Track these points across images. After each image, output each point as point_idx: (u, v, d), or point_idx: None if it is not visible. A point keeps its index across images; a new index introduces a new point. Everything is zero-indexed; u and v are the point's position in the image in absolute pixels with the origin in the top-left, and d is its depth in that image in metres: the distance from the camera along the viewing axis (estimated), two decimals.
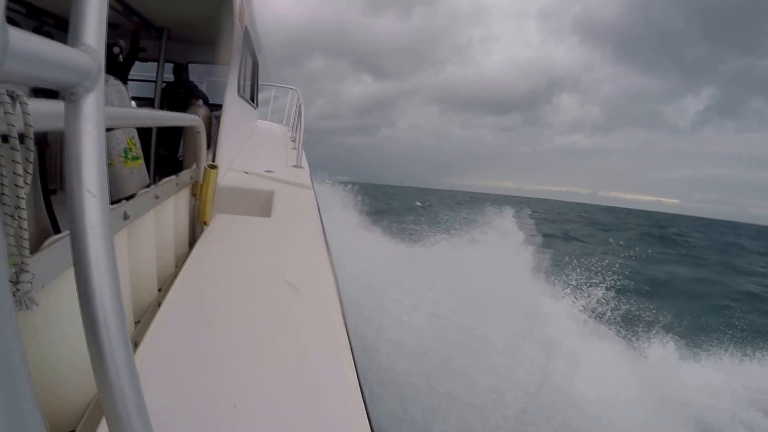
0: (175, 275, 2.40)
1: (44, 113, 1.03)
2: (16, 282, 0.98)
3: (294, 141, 7.96)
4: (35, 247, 1.32)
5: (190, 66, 6.83)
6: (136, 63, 5.38)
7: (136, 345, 1.70)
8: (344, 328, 1.99)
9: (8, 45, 0.50)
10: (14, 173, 0.87)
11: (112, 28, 5.40)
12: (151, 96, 6.43)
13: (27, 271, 0.98)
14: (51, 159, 2.40)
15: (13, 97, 0.86)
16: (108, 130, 2.77)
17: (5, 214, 0.90)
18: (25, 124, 0.88)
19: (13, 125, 0.82)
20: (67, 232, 0.71)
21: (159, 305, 2.04)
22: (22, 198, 0.89)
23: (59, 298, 1.42)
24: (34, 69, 0.59)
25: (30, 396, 1.24)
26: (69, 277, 1.43)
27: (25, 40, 0.55)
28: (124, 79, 4.77)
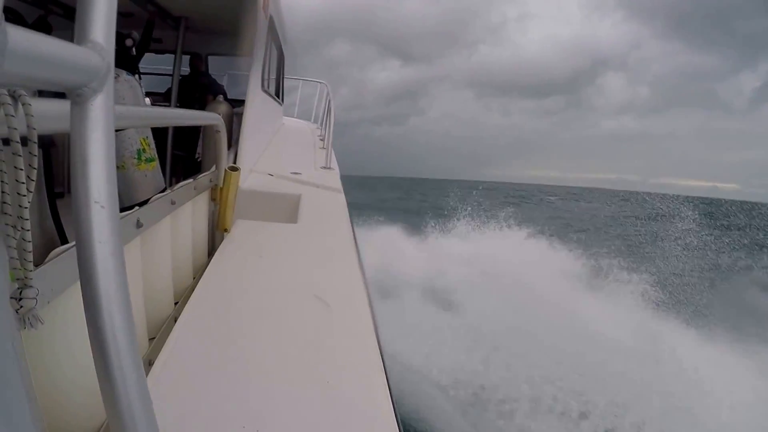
0: (192, 287, 2.41)
1: (49, 114, 1.02)
2: (19, 298, 0.98)
3: (323, 140, 7.97)
4: (40, 259, 1.31)
5: (211, 58, 6.88)
6: (153, 55, 5.44)
7: (150, 363, 1.72)
8: (377, 347, 1.96)
9: (7, 45, 0.50)
10: (17, 180, 0.86)
11: (126, 17, 5.49)
12: (162, 90, 6.52)
13: (31, 287, 0.98)
14: (57, 159, 2.43)
15: (14, 98, 0.86)
16: (120, 129, 2.80)
17: (7, 224, 0.90)
18: (28, 126, 0.87)
19: (15, 128, 0.82)
20: (75, 242, 0.69)
21: (175, 320, 2.04)
22: (25, 207, 0.89)
23: (66, 314, 1.41)
24: (36, 70, 0.59)
25: (38, 423, 1.24)
26: (78, 292, 1.41)
27: (27, 40, 0.55)
28: (134, 72, 4.82)
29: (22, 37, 0.54)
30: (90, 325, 0.67)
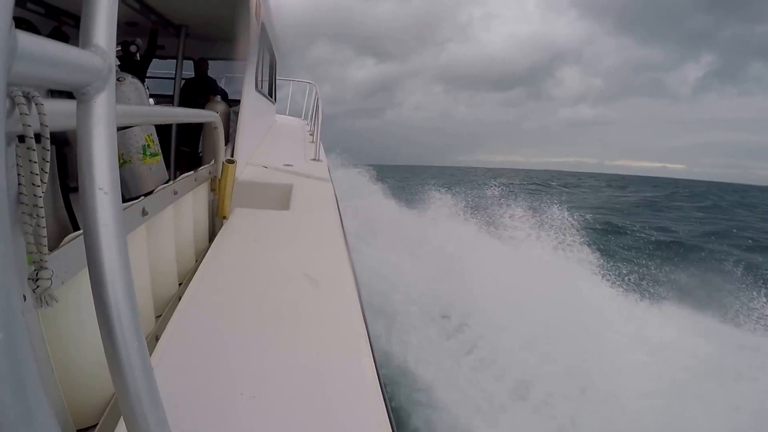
0: (195, 269, 2.47)
1: (60, 113, 1.06)
2: (35, 279, 1.03)
3: (312, 134, 8.19)
4: (55, 245, 1.35)
5: (211, 63, 7.03)
6: (156, 60, 5.59)
7: (156, 338, 1.76)
8: (363, 321, 2.04)
9: (17, 49, 0.53)
10: (31, 172, 0.91)
11: (131, 26, 5.57)
12: (170, 93, 6.61)
13: (46, 268, 1.03)
14: (71, 157, 2.60)
15: (28, 98, 0.89)
16: (126, 127, 2.92)
17: (23, 213, 0.95)
18: (41, 124, 0.91)
19: (29, 125, 0.86)
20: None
21: (179, 299, 2.10)
22: (39, 196, 0.94)
23: (79, 294, 1.46)
24: (43, 71, 0.63)
25: (54, 391, 1.29)
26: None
27: (34, 44, 0.59)
28: (142, 77, 4.95)
29: (31, 42, 0.58)
30: (96, 298, 0.70)
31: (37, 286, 1.05)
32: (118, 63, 4.11)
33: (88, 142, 0.71)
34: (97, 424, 1.61)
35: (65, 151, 2.12)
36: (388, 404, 1.50)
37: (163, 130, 3.42)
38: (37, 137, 0.91)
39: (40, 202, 0.96)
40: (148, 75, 5.43)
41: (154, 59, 5.47)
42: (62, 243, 1.39)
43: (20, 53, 0.54)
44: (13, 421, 0.49)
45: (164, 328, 1.83)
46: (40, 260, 1.02)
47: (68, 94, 0.77)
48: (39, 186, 0.95)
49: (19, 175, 0.95)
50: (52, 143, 0.98)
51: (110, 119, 0.74)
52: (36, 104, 0.91)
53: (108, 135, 0.73)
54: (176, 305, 2.05)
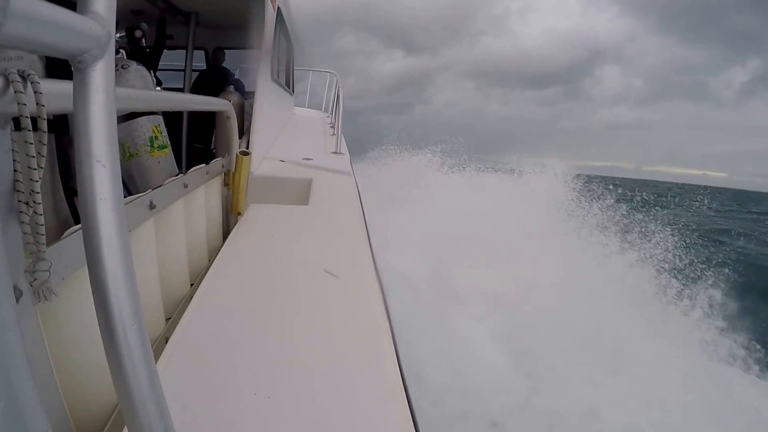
0: (207, 269, 2.42)
1: (57, 93, 1.03)
2: (33, 271, 1.00)
3: (333, 127, 8.04)
4: (55, 240, 1.33)
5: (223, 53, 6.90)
6: (166, 52, 5.42)
7: (166, 340, 1.72)
8: (387, 318, 1.97)
9: (9, 5, 0.50)
10: (27, 155, 0.88)
11: (136, 14, 5.49)
12: (181, 86, 6.48)
13: (44, 260, 1.00)
14: (73, 158, 2.45)
15: (24, 77, 0.87)
16: (132, 117, 2.82)
17: (20, 201, 0.93)
18: (38, 104, 0.89)
19: (25, 104, 0.84)
20: None
21: (191, 300, 2.05)
22: (36, 181, 0.91)
23: (81, 292, 1.41)
24: (37, 33, 0.60)
25: (55, 396, 1.26)
26: None
27: (28, 3, 0.56)
28: (154, 69, 4.81)
29: (24, 1, 0.55)
30: (92, 277, 0.68)
31: (35, 279, 1.02)
32: (126, 51, 3.95)
33: (85, 112, 0.69)
34: None
35: (69, 153, 1.99)
36: (412, 404, 1.46)
37: (173, 126, 3.31)
38: (34, 121, 0.89)
39: (38, 188, 0.93)
40: (158, 68, 5.26)
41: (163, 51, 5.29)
42: (63, 236, 1.36)
43: (12, 12, 0.51)
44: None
45: (174, 330, 1.79)
46: (38, 251, 0.99)
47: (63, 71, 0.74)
48: (36, 170, 0.92)
49: (15, 161, 0.93)
50: (49, 131, 0.97)
51: (109, 88, 0.72)
52: (32, 83, 0.89)
53: (106, 105, 0.70)
54: (187, 306, 2.00)
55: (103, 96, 0.70)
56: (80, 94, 0.69)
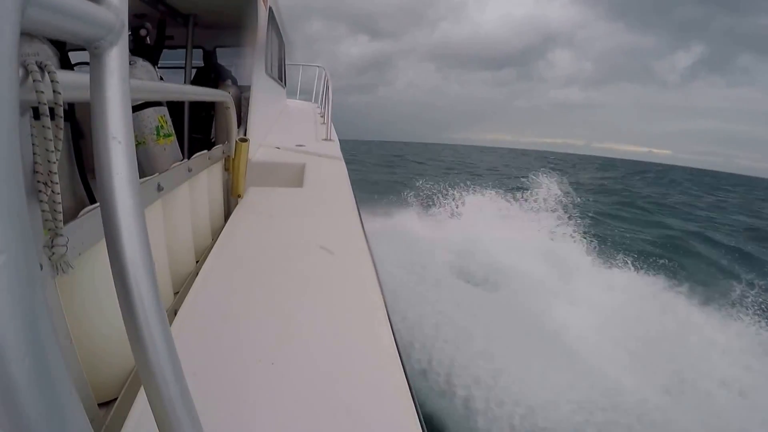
0: (211, 247, 2.47)
1: (72, 84, 1.06)
2: (51, 246, 1.04)
3: (323, 116, 8.16)
4: (72, 217, 1.36)
5: (220, 50, 6.95)
6: (165, 51, 5.48)
7: (175, 313, 1.76)
8: (379, 288, 2.02)
9: None
10: (45, 138, 0.92)
11: (138, 17, 5.54)
12: (182, 83, 6.51)
13: (61, 235, 1.04)
14: (86, 150, 2.54)
15: (41, 68, 0.91)
16: (138, 109, 2.91)
17: (38, 182, 0.96)
18: (54, 91, 0.92)
19: (42, 92, 0.88)
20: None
21: (197, 276, 2.10)
22: (54, 163, 0.96)
23: (95, 266, 1.47)
24: (56, 20, 0.62)
25: (75, 364, 1.33)
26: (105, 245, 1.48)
27: None
28: (155, 66, 4.87)
29: None
30: (109, 247, 0.70)
31: (53, 254, 1.05)
32: (131, 49, 4.03)
33: (101, 92, 0.71)
34: (117, 398, 1.62)
35: (81, 145, 2.07)
36: (407, 370, 1.49)
37: (175, 117, 3.37)
38: (51, 110, 0.91)
39: (55, 169, 0.97)
40: (159, 66, 5.33)
41: (164, 50, 5.36)
42: (80, 214, 1.39)
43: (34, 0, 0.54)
44: (32, 394, 0.45)
45: (182, 302, 1.83)
46: (56, 228, 1.02)
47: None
48: (53, 152, 0.96)
49: (34, 145, 0.96)
50: (65, 120, 1.01)
51: (123, 72, 0.74)
52: (49, 73, 0.93)
53: (121, 87, 0.73)
54: (193, 281, 2.04)
55: (118, 79, 0.73)
56: (97, 78, 0.72)
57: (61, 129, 0.98)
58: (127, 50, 0.76)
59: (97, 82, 0.72)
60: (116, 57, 0.73)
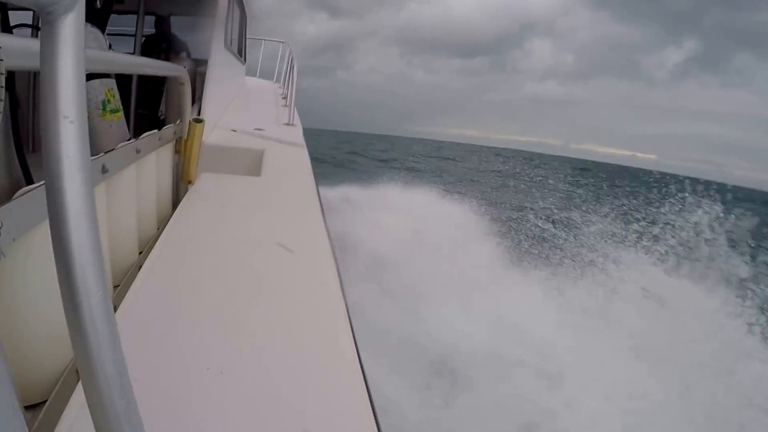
0: (156, 237, 2.36)
1: (17, 51, 0.97)
2: None
3: (285, 98, 7.92)
4: (7, 198, 1.26)
5: (174, 19, 6.63)
6: (114, 17, 5.14)
7: (114, 310, 1.65)
8: (341, 291, 1.96)
9: None
10: None
11: None
12: (131, 51, 6.18)
13: None
14: (23, 120, 2.30)
15: None
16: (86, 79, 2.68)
17: None
18: None
19: None
20: (42, 183, 0.64)
21: (139, 268, 2.00)
22: None
23: (29, 253, 1.36)
24: None
25: (1, 363, 1.19)
26: (43, 231, 1.36)
27: None
28: (102, 31, 4.57)
29: None
30: (54, 235, 0.64)
31: None
32: None
33: (53, 65, 0.63)
34: (46, 401, 1.50)
35: (17, 115, 1.89)
36: (366, 377, 1.45)
37: (121, 91, 3.13)
38: None
39: None
40: (107, 32, 5.00)
41: (112, 15, 5.02)
42: (15, 196, 1.28)
43: None
44: None
45: (123, 299, 1.72)
46: None
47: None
48: None
49: None
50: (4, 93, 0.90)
51: (78, 42, 0.66)
52: None
53: (76, 59, 0.65)
54: (136, 274, 1.94)
55: (73, 50, 0.65)
56: (48, 47, 0.64)
57: (1, 100, 0.90)
58: (84, 18, 0.67)
59: (48, 54, 0.64)
60: (71, 24, 0.64)
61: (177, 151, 3.41)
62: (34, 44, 0.65)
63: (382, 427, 1.28)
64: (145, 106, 5.45)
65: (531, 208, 16.05)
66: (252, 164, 4.17)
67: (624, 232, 10.91)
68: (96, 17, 4.12)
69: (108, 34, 5.26)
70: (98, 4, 3.88)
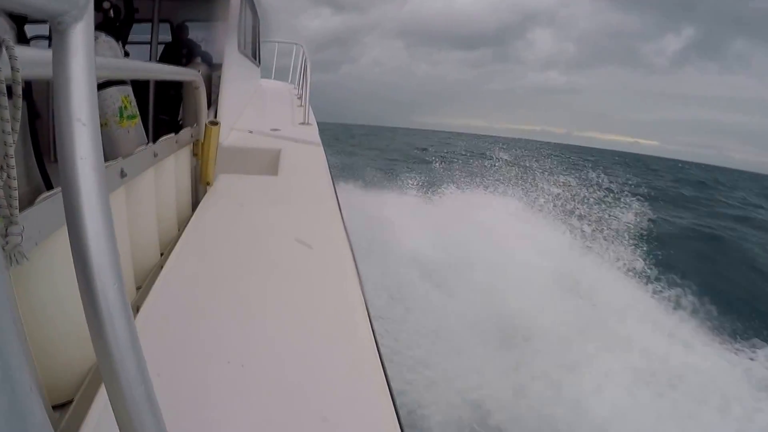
0: (177, 238, 2.41)
1: (32, 61, 1.02)
2: (5, 235, 0.98)
3: (300, 98, 7.99)
4: (28, 204, 1.30)
5: (189, 25, 6.75)
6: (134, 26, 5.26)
7: (137, 309, 1.71)
8: (359, 285, 1.99)
9: None
10: (1, 119, 0.86)
11: None
12: (148, 59, 6.29)
13: (16, 224, 0.98)
14: (42, 131, 2.40)
15: None
16: (100, 88, 2.77)
17: None
18: (12, 69, 0.87)
19: None
20: (60, 188, 0.69)
21: (161, 269, 2.04)
22: (10, 146, 0.89)
23: (53, 257, 1.40)
24: None
25: (29, 362, 1.24)
26: (64, 235, 1.42)
27: None
28: (123, 42, 4.67)
29: None
30: (71, 236, 0.67)
31: (7, 243, 0.99)
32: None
33: (65, 71, 0.68)
34: (72, 401, 1.54)
35: (36, 125, 1.97)
36: (386, 370, 1.47)
37: (139, 98, 3.23)
38: (8, 88, 0.86)
39: (11, 151, 0.90)
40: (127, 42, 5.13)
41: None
42: (37, 201, 1.34)
43: None
44: None
45: (145, 298, 1.77)
46: (11, 215, 0.97)
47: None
48: (9, 134, 0.88)
49: None
50: (23, 99, 0.95)
51: (89, 49, 0.71)
52: (7, 48, 0.88)
53: (87, 65, 0.69)
54: (158, 275, 1.99)
55: (83, 57, 0.69)
56: (60, 55, 0.69)
57: (18, 109, 0.91)
58: (93, 26, 0.72)
59: (60, 61, 0.68)
60: (81, 33, 0.69)
61: (195, 154, 3.49)
62: (48, 54, 0.70)
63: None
64: (166, 112, 5.59)
65: None
66: (269, 164, 4.23)
67: None
68: (115, 28, 4.24)
69: (128, 43, 5.41)
70: (111, 14, 3.99)
